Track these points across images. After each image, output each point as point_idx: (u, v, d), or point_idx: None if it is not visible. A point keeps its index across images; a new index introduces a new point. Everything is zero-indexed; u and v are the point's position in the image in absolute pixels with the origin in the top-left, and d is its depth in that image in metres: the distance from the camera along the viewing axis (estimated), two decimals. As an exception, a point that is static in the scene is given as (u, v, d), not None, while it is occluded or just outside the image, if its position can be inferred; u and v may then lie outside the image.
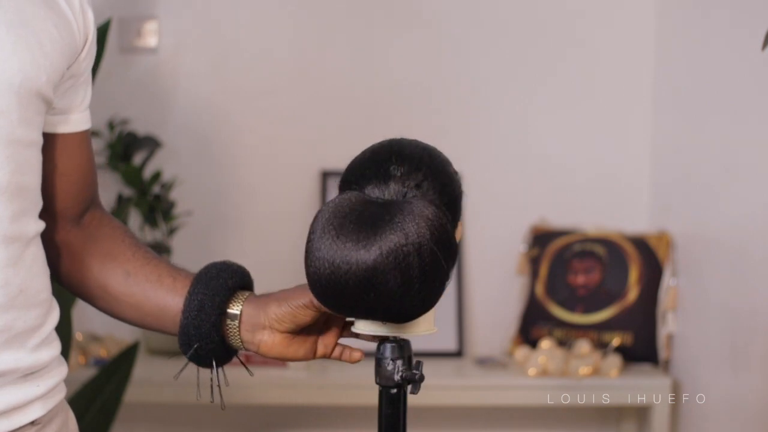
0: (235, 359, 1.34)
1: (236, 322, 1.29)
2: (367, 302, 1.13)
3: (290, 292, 1.28)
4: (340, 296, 1.14)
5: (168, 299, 1.31)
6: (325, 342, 1.31)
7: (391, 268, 1.11)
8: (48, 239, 1.32)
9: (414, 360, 1.25)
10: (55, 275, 1.35)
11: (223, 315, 1.28)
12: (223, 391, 1.34)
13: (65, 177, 1.31)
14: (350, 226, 1.13)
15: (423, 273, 1.12)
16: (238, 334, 1.29)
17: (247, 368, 1.36)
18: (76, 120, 1.30)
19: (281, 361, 1.32)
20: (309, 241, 1.15)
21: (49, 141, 1.28)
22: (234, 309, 1.29)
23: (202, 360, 1.31)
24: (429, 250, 1.12)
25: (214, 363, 1.30)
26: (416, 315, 1.18)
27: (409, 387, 1.24)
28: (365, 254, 1.11)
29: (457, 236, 1.20)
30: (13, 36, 1.16)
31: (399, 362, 1.23)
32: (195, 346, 1.28)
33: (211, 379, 1.32)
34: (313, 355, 1.31)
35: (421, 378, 1.23)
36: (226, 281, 1.29)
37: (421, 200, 1.15)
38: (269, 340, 1.28)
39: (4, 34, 1.15)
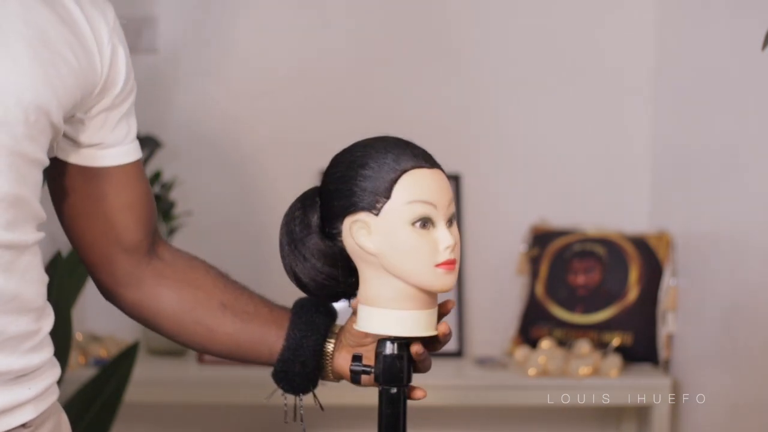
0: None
1: (332, 347, 1.34)
2: None
3: None
4: None
5: (265, 330, 1.35)
6: None
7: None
8: (123, 274, 1.34)
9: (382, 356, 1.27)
10: (129, 308, 1.37)
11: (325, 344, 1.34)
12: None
13: (130, 209, 1.33)
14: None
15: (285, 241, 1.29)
16: (331, 365, 1.35)
17: (319, 404, 1.40)
18: (125, 151, 1.32)
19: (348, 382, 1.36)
20: None
21: (108, 175, 1.30)
22: (330, 341, 1.35)
23: (295, 389, 1.36)
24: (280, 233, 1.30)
25: (305, 390, 1.37)
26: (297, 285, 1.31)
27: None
28: None
29: (348, 230, 1.25)
30: (32, 53, 1.17)
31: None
32: (300, 361, 1.33)
33: (300, 407, 1.38)
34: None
35: (356, 371, 1.29)
36: (327, 318, 1.35)
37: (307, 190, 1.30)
38: (340, 357, 1.34)
39: (24, 49, 1.16)
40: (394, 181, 1.22)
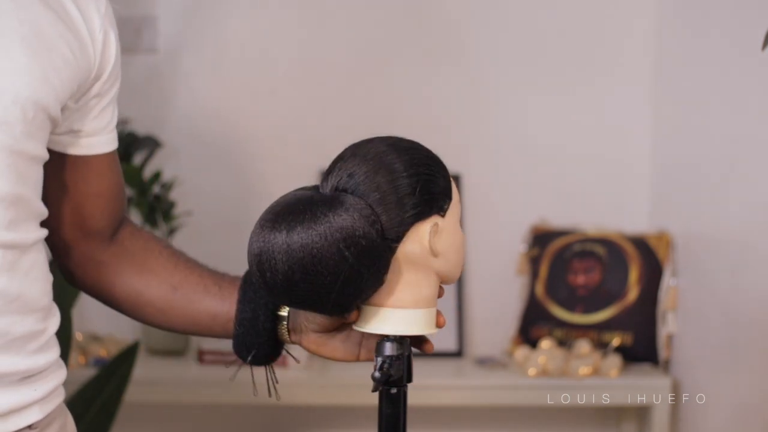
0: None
1: (285, 323, 1.33)
2: (265, 284, 1.18)
3: None
4: (258, 280, 1.20)
5: (217, 307, 1.36)
6: (369, 346, 1.32)
7: (267, 260, 1.16)
8: (84, 257, 1.36)
9: (380, 359, 1.24)
10: (91, 291, 1.39)
11: (275, 319, 1.33)
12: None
13: (98, 198, 1.34)
14: (266, 216, 1.19)
15: (304, 270, 1.15)
16: (287, 333, 1.33)
17: (293, 357, 1.42)
18: (104, 141, 1.32)
19: (325, 358, 1.35)
20: None
21: (80, 162, 1.31)
22: (283, 311, 1.33)
23: (257, 361, 1.35)
24: (318, 248, 1.14)
25: (270, 365, 1.36)
26: (326, 310, 1.20)
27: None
28: (256, 244, 1.18)
29: (427, 234, 1.20)
30: (26, 50, 1.16)
31: (379, 359, 1.24)
32: (253, 352, 1.33)
33: (267, 378, 1.36)
34: (356, 358, 1.34)
35: (380, 377, 1.23)
36: None
37: (340, 196, 1.17)
38: (306, 338, 1.33)
39: (18, 46, 1.16)
40: (450, 180, 1.23)
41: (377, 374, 1.23)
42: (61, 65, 1.20)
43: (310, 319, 1.31)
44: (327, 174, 1.21)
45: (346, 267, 1.15)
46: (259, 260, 1.17)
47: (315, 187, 1.23)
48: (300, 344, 1.34)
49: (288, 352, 1.39)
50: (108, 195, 1.35)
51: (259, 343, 1.32)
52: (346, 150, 1.23)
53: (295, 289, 1.17)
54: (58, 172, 1.30)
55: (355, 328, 1.25)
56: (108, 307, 1.41)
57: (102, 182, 1.34)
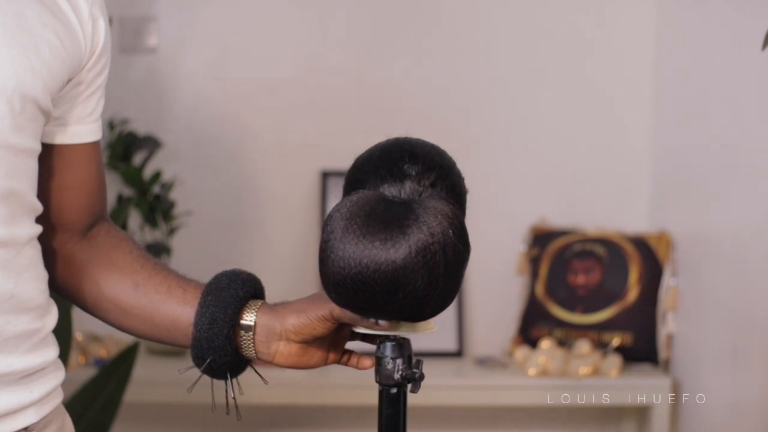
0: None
1: (250, 334, 1.26)
2: (393, 302, 1.13)
3: (308, 303, 1.25)
4: (365, 297, 1.13)
5: (178, 311, 1.28)
6: (336, 348, 1.30)
7: (419, 267, 1.11)
8: (51, 250, 1.30)
9: (414, 359, 1.24)
10: (56, 286, 1.33)
11: (236, 326, 1.26)
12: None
13: (73, 190, 1.29)
14: (376, 225, 1.12)
15: (447, 270, 1.13)
16: (253, 345, 1.27)
17: (261, 376, 1.34)
18: (85, 131, 1.28)
19: (295, 369, 1.30)
20: (327, 241, 1.13)
21: (57, 152, 1.26)
22: (247, 320, 1.26)
23: (215, 372, 1.28)
24: (453, 246, 1.13)
25: (228, 376, 1.28)
26: (435, 313, 1.17)
27: (409, 386, 1.24)
28: (394, 253, 1.11)
29: None
30: (9, 40, 1.14)
31: (399, 361, 1.23)
32: (208, 359, 1.26)
33: (226, 392, 1.29)
34: (325, 362, 1.30)
35: (421, 377, 1.23)
36: (237, 291, 1.26)
37: (438, 199, 1.15)
38: (285, 351, 1.27)
39: (1, 37, 1.13)
40: None
41: (421, 373, 1.22)
42: (49, 54, 1.17)
43: (306, 331, 1.24)
44: (395, 177, 1.17)
45: (465, 264, 1.16)
46: (396, 280, 1.11)
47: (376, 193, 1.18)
48: (272, 360, 1.27)
49: (257, 372, 1.32)
50: (84, 188, 1.30)
51: (214, 348, 1.24)
52: (394, 149, 1.20)
53: (431, 297, 1.13)
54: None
55: (359, 330, 1.24)
56: (76, 305, 1.35)
57: (78, 174, 1.29)
